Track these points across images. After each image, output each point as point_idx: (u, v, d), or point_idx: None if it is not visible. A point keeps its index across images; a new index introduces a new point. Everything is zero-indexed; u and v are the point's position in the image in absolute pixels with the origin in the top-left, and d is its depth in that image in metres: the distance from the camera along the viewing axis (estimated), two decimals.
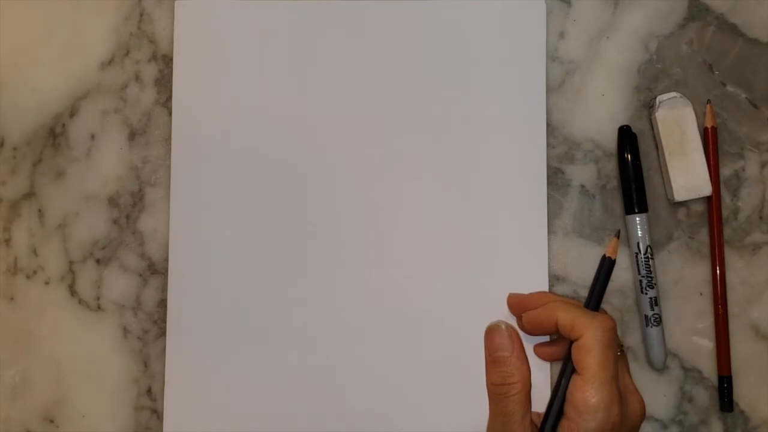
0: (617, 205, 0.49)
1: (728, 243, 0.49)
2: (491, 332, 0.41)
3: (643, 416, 0.39)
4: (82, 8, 0.51)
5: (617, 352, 0.38)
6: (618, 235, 0.41)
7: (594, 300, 0.40)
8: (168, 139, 0.50)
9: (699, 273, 0.49)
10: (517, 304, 0.45)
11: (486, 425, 0.40)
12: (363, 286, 0.49)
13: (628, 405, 0.38)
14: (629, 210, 0.48)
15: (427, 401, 0.48)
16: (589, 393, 0.36)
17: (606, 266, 0.41)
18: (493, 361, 0.40)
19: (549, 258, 0.48)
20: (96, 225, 0.50)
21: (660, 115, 0.48)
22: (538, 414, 0.41)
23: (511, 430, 0.38)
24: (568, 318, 0.38)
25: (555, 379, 0.42)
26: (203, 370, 0.48)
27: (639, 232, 0.48)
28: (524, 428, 0.38)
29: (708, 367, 0.49)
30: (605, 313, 0.40)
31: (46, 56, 0.51)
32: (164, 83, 0.50)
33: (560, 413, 0.38)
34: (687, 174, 0.48)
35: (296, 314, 0.48)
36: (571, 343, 0.39)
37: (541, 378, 0.46)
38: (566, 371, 0.39)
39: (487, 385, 0.40)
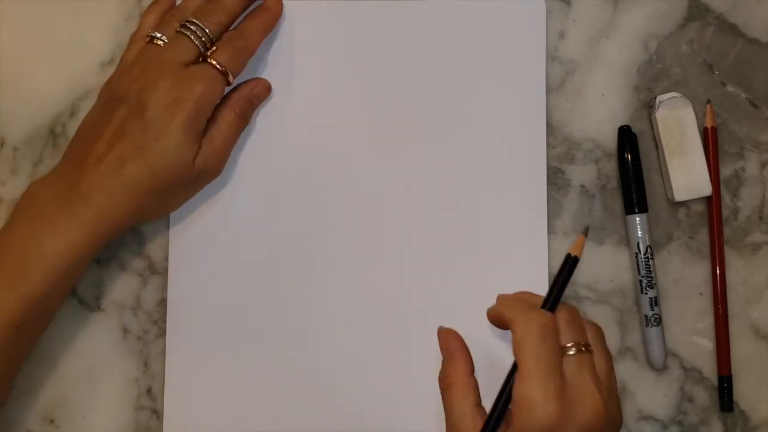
0: (617, 205, 0.49)
1: (728, 243, 0.49)
2: (438, 334, 0.42)
3: (599, 419, 0.37)
4: (82, 8, 0.51)
5: (556, 348, 0.37)
6: (586, 232, 0.40)
7: (551, 300, 0.39)
8: None
9: (699, 273, 0.49)
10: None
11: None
12: (363, 286, 0.49)
13: (577, 405, 0.36)
14: (629, 210, 0.48)
15: (428, 401, 0.48)
16: (524, 388, 0.36)
17: (569, 265, 0.39)
18: (442, 358, 0.42)
19: (549, 258, 0.48)
20: None
21: (660, 115, 0.48)
22: None
23: (452, 422, 0.39)
24: (509, 315, 0.38)
25: None
26: (203, 370, 0.48)
27: (639, 232, 0.48)
28: (466, 423, 0.38)
29: (708, 367, 0.49)
30: (565, 306, 0.39)
31: (46, 56, 0.51)
32: None
33: (504, 410, 0.38)
34: (687, 174, 0.48)
35: (296, 314, 0.48)
36: None
37: None
38: (512, 367, 0.38)
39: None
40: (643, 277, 0.48)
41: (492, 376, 0.39)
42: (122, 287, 0.50)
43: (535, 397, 0.35)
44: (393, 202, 0.49)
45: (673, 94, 0.49)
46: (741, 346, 0.49)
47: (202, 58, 0.46)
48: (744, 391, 0.48)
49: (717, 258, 0.48)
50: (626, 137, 0.49)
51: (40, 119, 0.50)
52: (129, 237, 0.49)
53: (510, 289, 0.47)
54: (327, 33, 0.50)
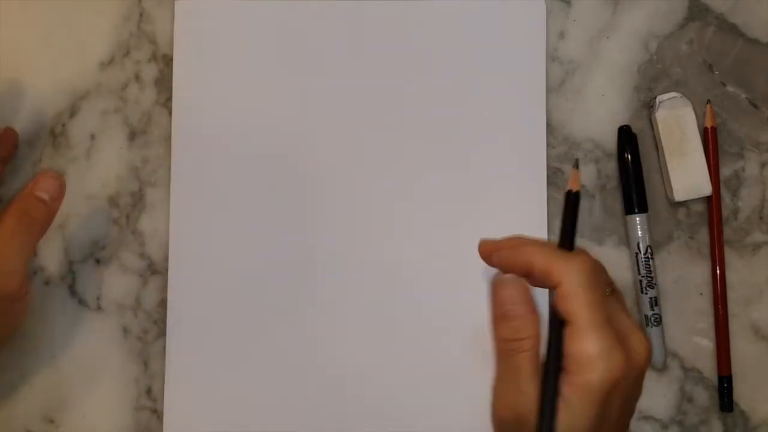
0: (617, 205, 0.49)
1: (728, 243, 0.49)
2: (499, 285, 0.37)
3: (649, 357, 0.35)
4: (81, 8, 0.51)
5: (605, 292, 0.35)
6: (576, 165, 0.38)
7: (567, 238, 0.36)
8: (168, 139, 0.50)
9: (699, 273, 0.49)
10: (490, 251, 0.40)
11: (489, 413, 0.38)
12: (364, 285, 0.49)
13: (630, 347, 0.34)
14: (629, 210, 0.48)
15: (430, 400, 0.48)
16: (585, 343, 0.33)
17: (571, 201, 0.37)
18: (502, 315, 0.36)
19: None
20: (96, 225, 0.50)
21: (660, 115, 0.48)
22: None
23: (521, 388, 0.35)
24: (543, 264, 0.35)
25: None
26: (203, 370, 0.48)
27: (639, 232, 0.48)
28: (535, 385, 0.35)
29: (708, 367, 0.49)
30: (583, 251, 0.36)
31: (46, 56, 0.51)
32: (164, 83, 0.50)
33: (558, 369, 0.35)
34: (687, 174, 0.48)
35: (297, 314, 0.48)
36: (551, 291, 0.36)
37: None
38: (553, 323, 0.35)
39: (496, 341, 0.37)
40: (643, 277, 0.48)
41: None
42: (122, 287, 0.50)
43: (597, 352, 0.33)
44: (393, 201, 0.49)
45: (673, 94, 0.49)
46: (741, 346, 0.49)
47: None
48: (744, 391, 0.48)
49: (717, 258, 0.48)
50: (626, 137, 0.49)
51: (40, 119, 0.50)
52: (129, 237, 0.50)
53: None
54: (327, 33, 0.50)
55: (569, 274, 0.34)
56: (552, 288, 0.35)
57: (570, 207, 0.37)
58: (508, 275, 0.37)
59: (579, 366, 0.33)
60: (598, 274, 0.35)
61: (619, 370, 0.33)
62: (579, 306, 0.33)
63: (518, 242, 0.37)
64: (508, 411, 0.36)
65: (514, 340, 0.36)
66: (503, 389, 0.36)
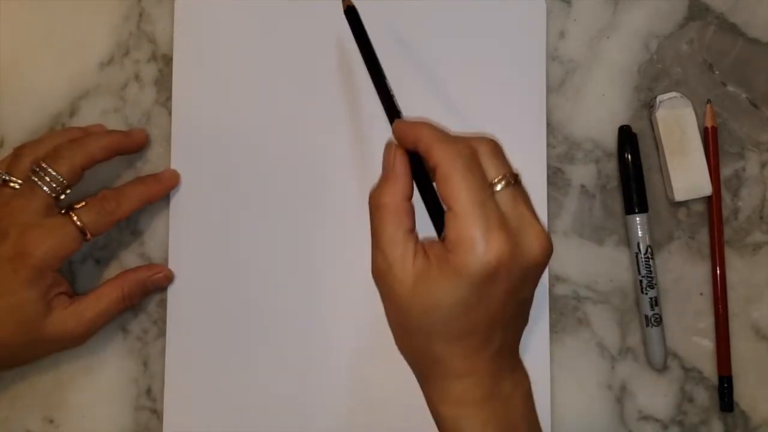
0: (617, 205, 0.49)
1: (728, 243, 0.49)
2: (385, 149, 0.37)
3: (544, 253, 0.33)
4: (81, 8, 0.51)
5: (485, 179, 0.33)
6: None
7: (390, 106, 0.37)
8: (168, 139, 0.50)
9: (699, 273, 0.49)
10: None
11: None
12: (363, 285, 0.48)
13: (522, 239, 0.33)
14: (629, 210, 0.48)
15: None
16: (461, 226, 0.32)
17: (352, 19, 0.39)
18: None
19: None
20: None
21: (660, 115, 0.48)
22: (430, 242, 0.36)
23: (379, 246, 0.35)
24: (425, 144, 0.34)
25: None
26: (203, 370, 0.48)
27: (639, 232, 0.48)
28: (396, 250, 0.34)
29: (708, 367, 0.49)
30: (478, 138, 0.35)
31: (46, 56, 0.51)
32: (164, 83, 0.50)
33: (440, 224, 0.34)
34: (687, 174, 0.48)
35: (296, 314, 0.48)
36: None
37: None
38: (434, 208, 0.35)
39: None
40: (643, 277, 0.48)
41: None
42: None
43: (476, 234, 0.32)
44: None
45: (674, 94, 0.49)
46: (741, 346, 0.49)
47: (66, 208, 0.44)
48: (744, 391, 0.48)
49: (717, 258, 0.48)
50: (626, 137, 0.49)
51: (40, 119, 0.50)
52: (129, 237, 0.49)
53: None
54: (327, 32, 0.50)
55: (447, 157, 0.33)
56: (432, 171, 0.34)
57: (353, 24, 0.38)
58: (391, 141, 0.37)
59: (456, 248, 0.32)
60: (476, 161, 0.33)
61: (499, 256, 0.32)
62: (454, 189, 0.32)
63: (417, 122, 0.36)
64: (375, 273, 0.36)
65: (375, 196, 0.36)
66: (371, 246, 0.36)
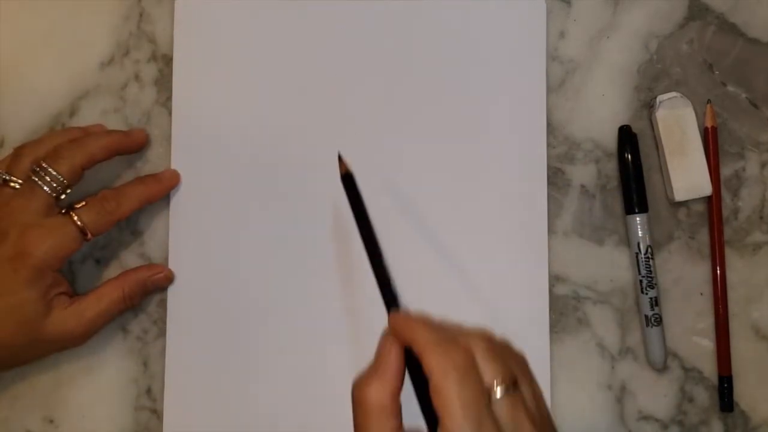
0: (617, 205, 0.49)
1: (728, 243, 0.49)
2: (381, 340, 0.35)
3: None
4: (81, 8, 0.51)
5: (481, 388, 0.31)
6: (340, 157, 0.37)
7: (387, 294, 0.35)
8: (168, 139, 0.50)
9: (699, 273, 0.49)
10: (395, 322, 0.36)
11: None
12: (363, 285, 0.49)
13: None
14: (629, 210, 0.48)
15: None
16: None
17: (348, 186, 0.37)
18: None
19: (549, 258, 0.48)
20: None
21: (660, 115, 0.48)
22: None
23: None
24: (419, 348, 0.32)
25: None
26: (203, 370, 0.48)
27: (639, 232, 0.48)
28: None
29: (708, 367, 0.49)
30: (476, 335, 0.33)
31: (46, 56, 0.51)
32: (164, 83, 0.50)
33: None
34: (687, 174, 0.48)
35: (296, 314, 0.48)
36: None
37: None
38: (427, 414, 0.32)
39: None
40: (643, 277, 0.48)
41: None
42: None
43: None
44: (393, 201, 0.49)
45: (674, 94, 0.49)
46: (741, 346, 0.49)
47: (67, 207, 0.44)
48: (744, 391, 0.48)
49: (717, 258, 0.48)
50: (626, 137, 0.49)
51: (40, 119, 0.50)
52: (129, 237, 0.49)
53: (510, 289, 0.48)
54: (327, 32, 0.50)
55: (440, 367, 0.31)
56: (428, 377, 0.32)
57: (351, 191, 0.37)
58: (388, 332, 0.35)
59: None
60: (481, 362, 0.31)
61: None
62: (447, 405, 0.30)
63: (413, 320, 0.34)
64: None
65: (361, 387, 0.33)
66: None
